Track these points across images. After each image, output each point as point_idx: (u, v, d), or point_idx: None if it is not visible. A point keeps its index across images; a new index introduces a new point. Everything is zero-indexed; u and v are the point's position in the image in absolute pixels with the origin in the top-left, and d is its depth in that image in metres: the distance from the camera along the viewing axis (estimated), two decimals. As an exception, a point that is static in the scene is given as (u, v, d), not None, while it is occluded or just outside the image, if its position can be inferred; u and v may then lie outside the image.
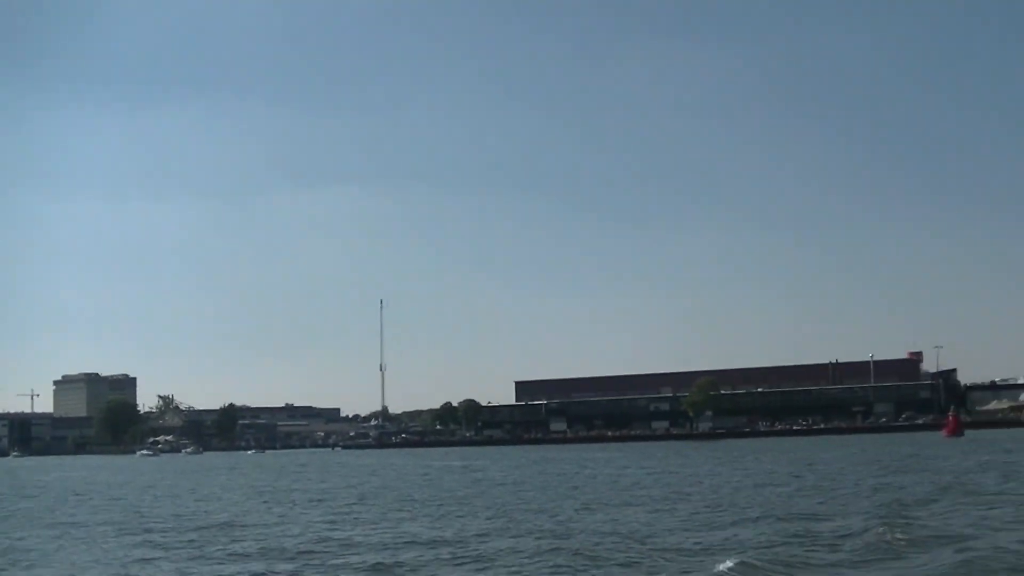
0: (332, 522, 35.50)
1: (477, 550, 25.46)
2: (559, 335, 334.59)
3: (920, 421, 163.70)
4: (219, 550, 27.46)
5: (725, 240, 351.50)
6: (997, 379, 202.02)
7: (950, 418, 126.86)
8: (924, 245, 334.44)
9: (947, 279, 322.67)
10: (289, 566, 24.01)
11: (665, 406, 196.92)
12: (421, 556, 24.75)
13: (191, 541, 29.89)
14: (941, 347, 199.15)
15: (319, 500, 48.09)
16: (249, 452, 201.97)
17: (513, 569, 22.36)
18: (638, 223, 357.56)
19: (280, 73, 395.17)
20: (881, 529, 24.99)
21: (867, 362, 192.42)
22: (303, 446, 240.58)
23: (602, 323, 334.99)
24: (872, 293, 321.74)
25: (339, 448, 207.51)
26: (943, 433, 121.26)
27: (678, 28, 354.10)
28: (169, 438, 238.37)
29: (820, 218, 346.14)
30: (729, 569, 19.81)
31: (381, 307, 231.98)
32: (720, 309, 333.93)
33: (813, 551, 22.50)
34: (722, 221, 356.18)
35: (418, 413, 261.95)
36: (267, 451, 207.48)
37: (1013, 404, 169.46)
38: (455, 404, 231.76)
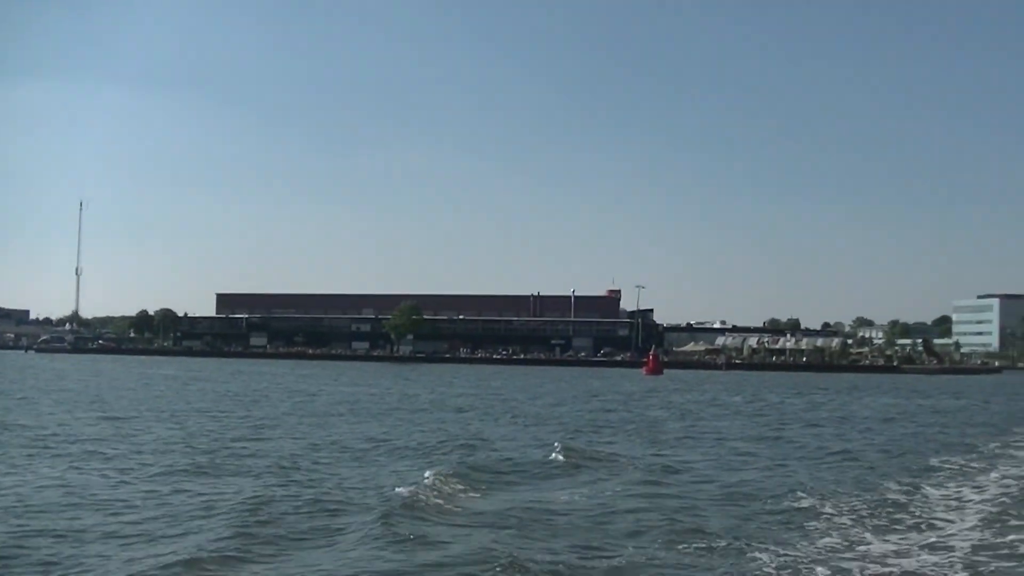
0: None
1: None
2: (263, 250, 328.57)
3: (619, 358, 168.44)
4: None
5: (432, 164, 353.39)
6: (692, 322, 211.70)
7: (650, 357, 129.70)
8: (629, 187, 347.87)
9: (648, 221, 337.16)
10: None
11: (367, 327, 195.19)
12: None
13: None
14: (643, 287, 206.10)
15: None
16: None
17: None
18: (346, 142, 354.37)
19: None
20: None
21: (568, 297, 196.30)
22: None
23: (306, 241, 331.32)
24: (575, 228, 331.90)
25: (32, 351, 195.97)
26: (643, 371, 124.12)
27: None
28: None
29: (530, 151, 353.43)
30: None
31: (81, 209, 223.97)
32: (425, 234, 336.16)
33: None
34: (429, 143, 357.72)
35: (111, 319, 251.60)
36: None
37: (709, 347, 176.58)
38: (151, 313, 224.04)
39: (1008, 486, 21.98)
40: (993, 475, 24.11)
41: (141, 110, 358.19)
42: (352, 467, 23.60)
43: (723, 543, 15.18)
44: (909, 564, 14.20)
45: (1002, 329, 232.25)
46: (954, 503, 19.79)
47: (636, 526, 16.55)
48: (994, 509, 18.80)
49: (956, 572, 13.83)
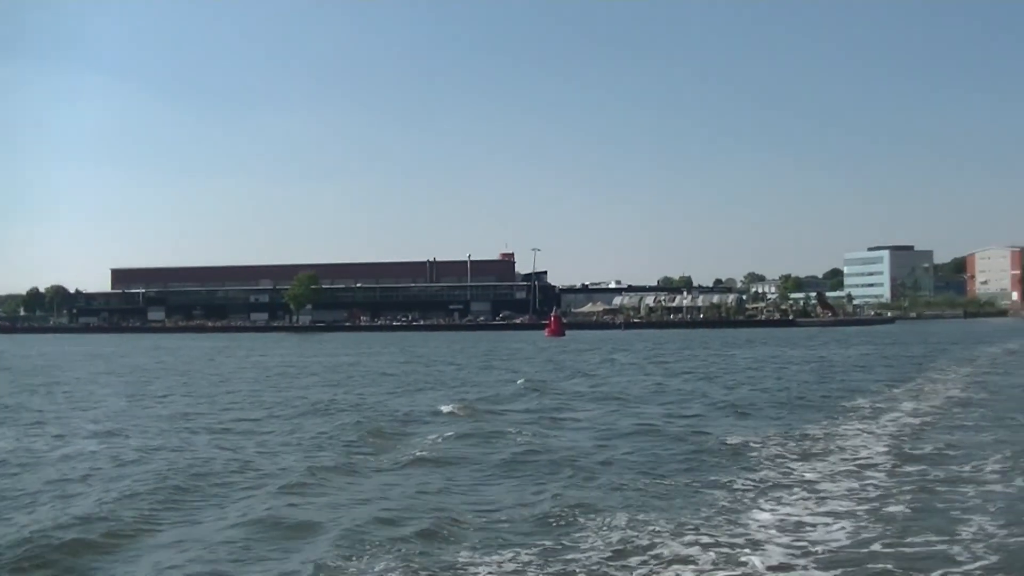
0: None
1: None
2: (157, 224, 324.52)
3: (517, 320, 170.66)
4: None
5: (324, 129, 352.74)
6: (587, 283, 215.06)
7: (552, 319, 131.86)
8: (521, 150, 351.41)
9: (540, 183, 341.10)
10: None
11: (265, 298, 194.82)
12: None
13: None
14: (538, 250, 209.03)
15: None
16: None
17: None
18: (233, 109, 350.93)
19: None
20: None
21: (464, 262, 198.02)
22: None
23: (200, 213, 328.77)
24: (469, 192, 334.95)
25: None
26: (545, 333, 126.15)
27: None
28: None
29: (424, 114, 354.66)
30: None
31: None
32: (318, 202, 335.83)
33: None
34: (320, 107, 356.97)
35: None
36: None
37: (607, 307, 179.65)
38: (42, 290, 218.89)
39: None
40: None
41: (22, 83, 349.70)
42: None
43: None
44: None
45: (893, 280, 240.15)
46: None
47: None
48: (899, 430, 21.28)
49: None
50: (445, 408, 28.06)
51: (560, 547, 12.31)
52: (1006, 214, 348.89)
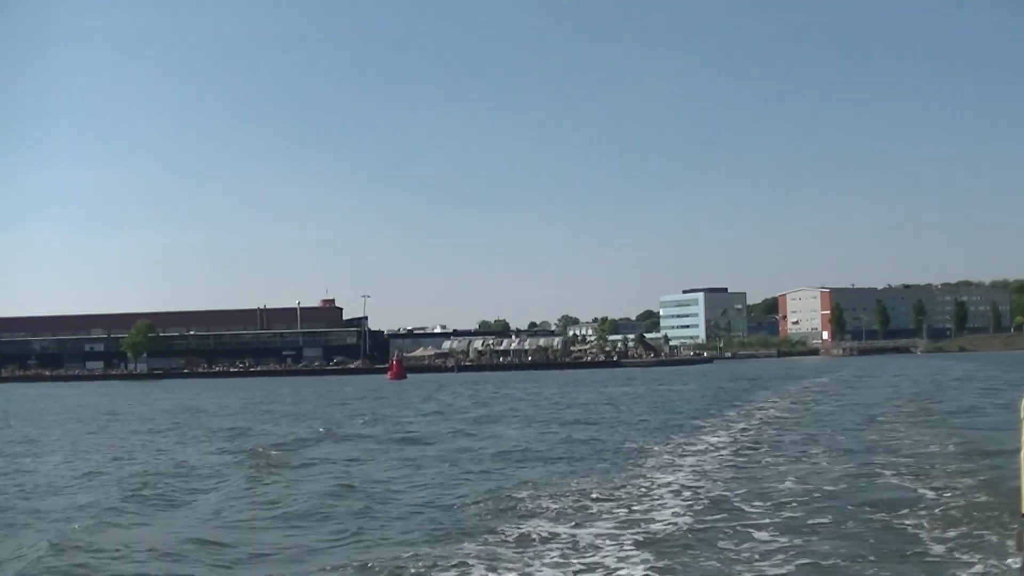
0: None
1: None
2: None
3: (352, 365, 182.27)
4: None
5: (140, 180, 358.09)
6: (412, 328, 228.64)
7: (394, 363, 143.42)
8: (333, 206, 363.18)
9: (355, 230, 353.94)
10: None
11: (100, 347, 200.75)
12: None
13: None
14: (368, 296, 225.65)
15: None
16: None
17: None
18: (45, 155, 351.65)
19: None
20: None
21: (293, 309, 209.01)
22: None
23: (33, 261, 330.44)
24: (292, 237, 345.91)
25: None
26: (388, 376, 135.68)
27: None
28: None
29: (229, 166, 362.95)
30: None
31: None
32: (145, 251, 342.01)
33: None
34: (128, 158, 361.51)
35: None
36: None
37: (438, 351, 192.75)
38: None
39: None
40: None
41: None
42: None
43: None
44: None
45: (707, 322, 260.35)
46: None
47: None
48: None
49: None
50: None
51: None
52: (814, 257, 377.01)
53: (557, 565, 14.41)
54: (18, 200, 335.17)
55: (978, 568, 13.79)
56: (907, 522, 16.88)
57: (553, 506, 19.37)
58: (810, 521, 17.35)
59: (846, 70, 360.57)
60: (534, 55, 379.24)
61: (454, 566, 14.49)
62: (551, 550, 15.39)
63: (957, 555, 14.49)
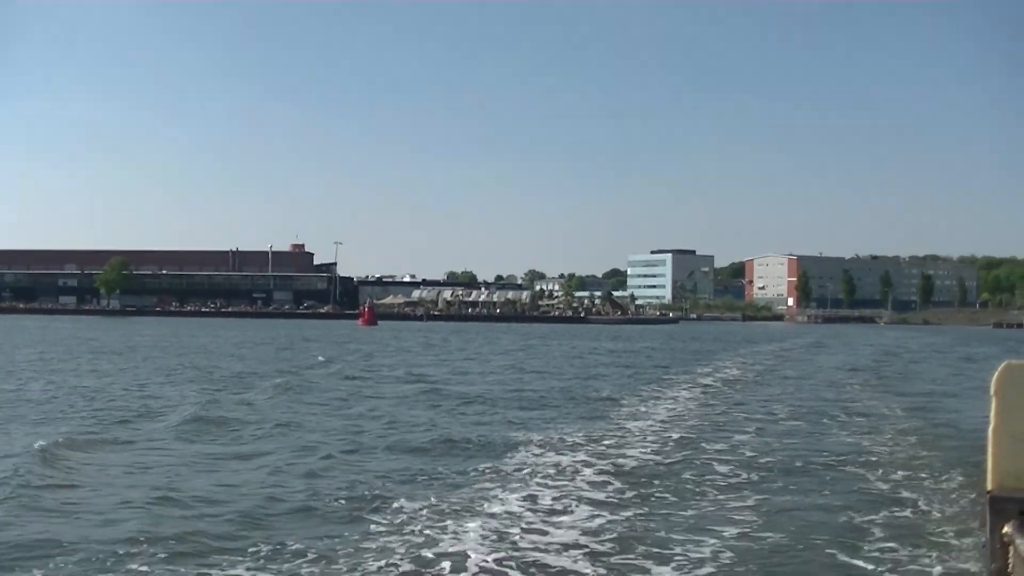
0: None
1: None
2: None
3: (322, 310, 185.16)
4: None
5: (115, 117, 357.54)
6: (381, 275, 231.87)
7: (366, 309, 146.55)
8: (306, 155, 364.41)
9: (330, 180, 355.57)
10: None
11: (73, 282, 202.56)
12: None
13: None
14: (340, 243, 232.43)
15: None
16: None
17: None
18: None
19: None
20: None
21: (265, 252, 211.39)
22: None
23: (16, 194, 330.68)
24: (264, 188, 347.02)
25: None
26: (359, 322, 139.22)
27: None
28: None
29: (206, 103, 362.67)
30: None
31: None
32: (114, 187, 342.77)
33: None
34: (106, 94, 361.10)
35: None
36: None
37: (407, 300, 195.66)
38: None
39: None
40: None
41: None
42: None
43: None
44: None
45: (674, 283, 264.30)
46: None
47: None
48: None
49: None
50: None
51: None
52: (783, 224, 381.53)
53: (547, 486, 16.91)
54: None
55: (908, 494, 16.45)
56: (852, 468, 19.27)
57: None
58: (763, 460, 19.95)
59: (824, 42, 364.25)
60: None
61: (473, 479, 17.42)
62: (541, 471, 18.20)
63: (899, 491, 16.92)
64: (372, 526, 13.96)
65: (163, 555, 12.36)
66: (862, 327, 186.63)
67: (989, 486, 8.75)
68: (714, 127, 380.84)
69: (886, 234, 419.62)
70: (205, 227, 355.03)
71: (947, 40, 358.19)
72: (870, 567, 12.38)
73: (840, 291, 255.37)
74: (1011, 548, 8.39)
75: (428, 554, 12.43)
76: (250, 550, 12.64)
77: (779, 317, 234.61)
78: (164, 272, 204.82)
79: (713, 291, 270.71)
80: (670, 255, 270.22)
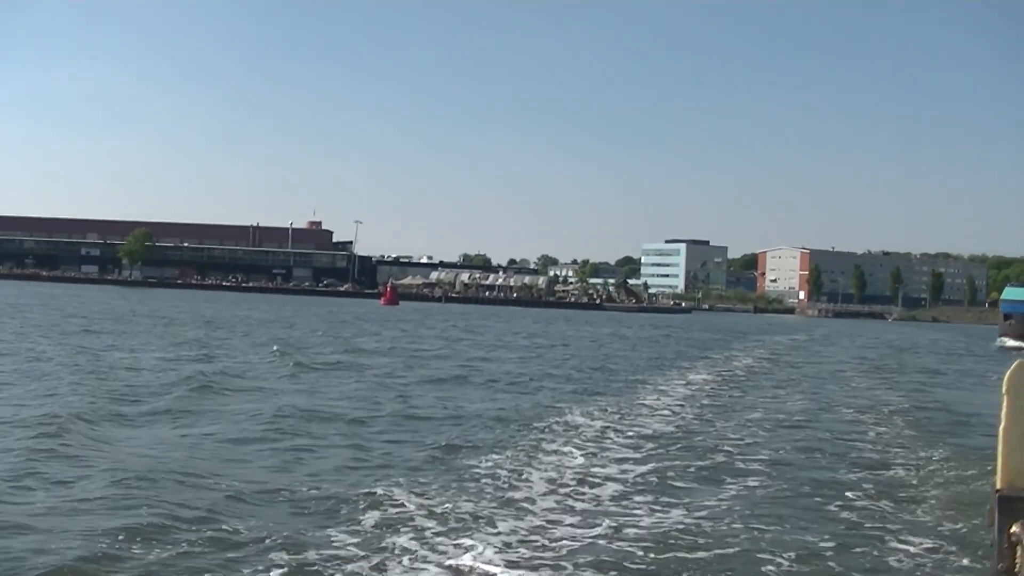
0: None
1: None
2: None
3: (341, 288, 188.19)
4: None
5: (140, 86, 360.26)
6: (398, 256, 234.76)
7: (388, 289, 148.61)
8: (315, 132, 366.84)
9: (349, 160, 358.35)
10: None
11: (96, 252, 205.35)
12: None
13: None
14: (360, 222, 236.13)
15: None
16: None
17: None
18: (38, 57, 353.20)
19: None
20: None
21: (286, 229, 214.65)
22: None
23: (25, 162, 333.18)
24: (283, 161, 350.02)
25: None
26: (381, 302, 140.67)
27: None
28: None
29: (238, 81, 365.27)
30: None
31: None
32: (142, 159, 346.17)
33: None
34: (132, 62, 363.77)
35: None
36: None
37: (425, 281, 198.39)
38: None
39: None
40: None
41: None
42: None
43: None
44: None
45: (687, 273, 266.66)
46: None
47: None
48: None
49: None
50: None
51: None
52: (796, 217, 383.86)
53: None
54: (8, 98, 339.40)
55: (899, 472, 18.36)
56: (856, 462, 20.37)
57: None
58: (777, 431, 22.80)
59: (835, 34, 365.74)
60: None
61: (505, 447, 19.45)
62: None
63: (888, 458, 19.49)
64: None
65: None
66: (871, 322, 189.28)
67: (999, 485, 8.69)
68: (731, 119, 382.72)
69: (898, 230, 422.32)
70: (226, 202, 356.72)
71: (964, 38, 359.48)
72: (870, 566, 12.03)
73: (851, 286, 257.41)
74: (1019, 547, 8.38)
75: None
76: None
77: (790, 310, 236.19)
78: (186, 245, 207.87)
79: (725, 282, 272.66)
80: (684, 245, 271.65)
